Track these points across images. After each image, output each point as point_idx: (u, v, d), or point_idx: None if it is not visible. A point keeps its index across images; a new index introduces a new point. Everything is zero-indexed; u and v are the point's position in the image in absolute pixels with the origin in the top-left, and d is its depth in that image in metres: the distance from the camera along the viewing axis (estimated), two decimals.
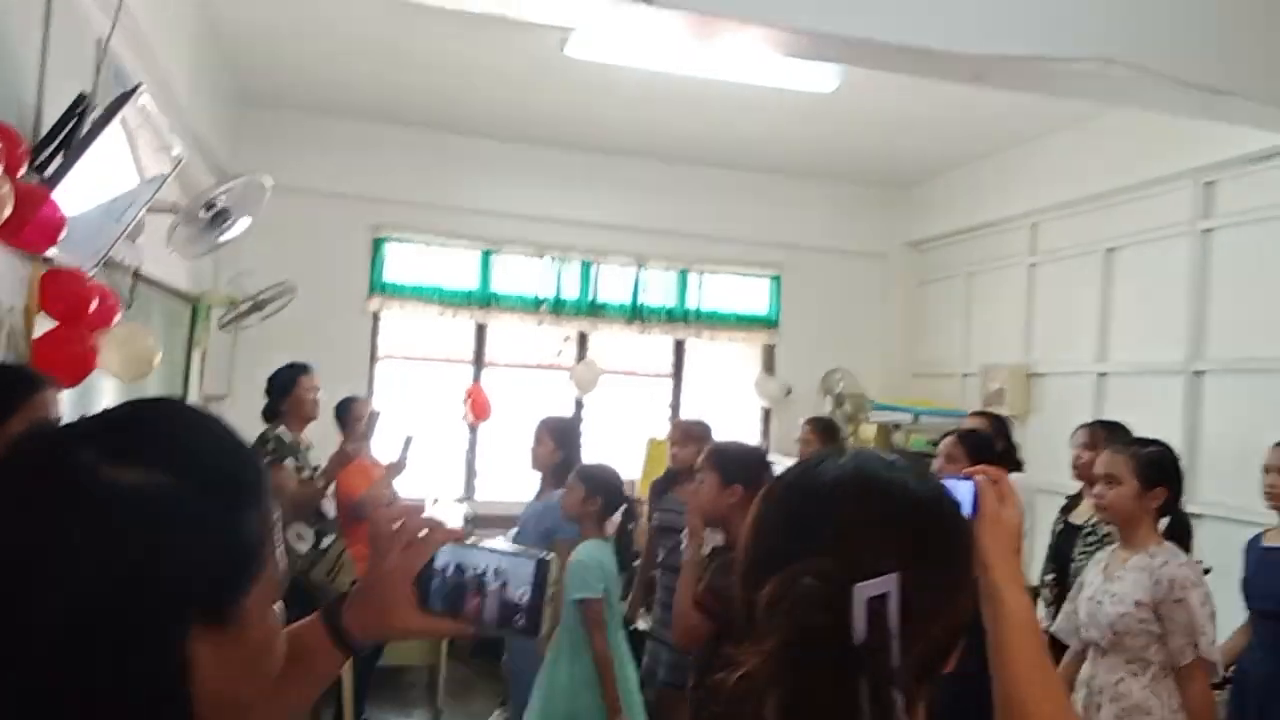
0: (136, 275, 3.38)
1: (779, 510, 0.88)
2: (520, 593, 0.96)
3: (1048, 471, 4.68)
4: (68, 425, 0.73)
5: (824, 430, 4.65)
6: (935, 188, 6.54)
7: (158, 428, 0.74)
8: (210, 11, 4.49)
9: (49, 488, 0.68)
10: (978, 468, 1.13)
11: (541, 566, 0.97)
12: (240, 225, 3.45)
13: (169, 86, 3.78)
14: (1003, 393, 5.58)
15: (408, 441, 4.56)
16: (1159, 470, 2.74)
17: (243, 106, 5.72)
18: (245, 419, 4.90)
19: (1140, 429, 3.70)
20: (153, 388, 4.07)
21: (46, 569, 0.65)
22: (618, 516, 3.69)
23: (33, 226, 2.20)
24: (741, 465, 2.86)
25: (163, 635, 0.67)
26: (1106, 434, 3.62)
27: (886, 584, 0.75)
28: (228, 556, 0.72)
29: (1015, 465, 4.03)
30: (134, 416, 0.75)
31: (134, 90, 2.56)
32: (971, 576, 0.88)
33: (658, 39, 3.98)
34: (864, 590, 0.74)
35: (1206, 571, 2.89)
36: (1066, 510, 3.87)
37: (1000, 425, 4.27)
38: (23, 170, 2.17)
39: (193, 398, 5.06)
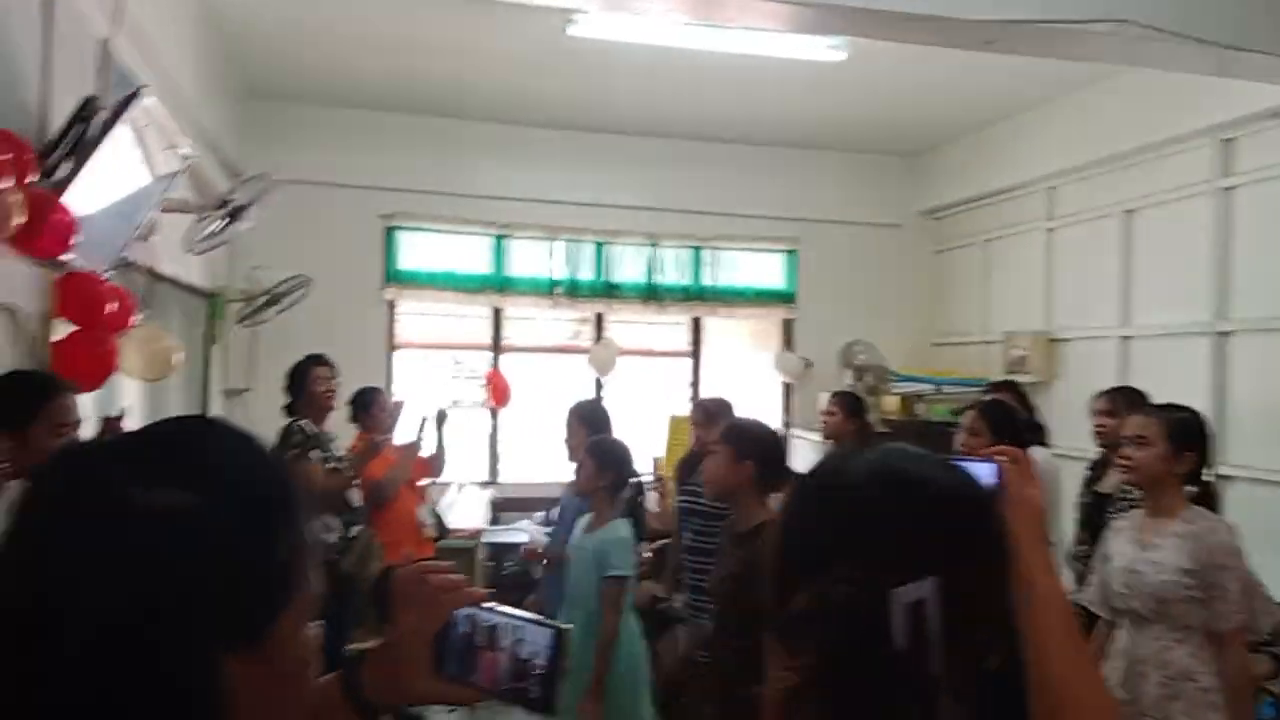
0: (152, 274, 3.39)
1: (808, 512, 0.85)
2: (535, 659, 0.93)
3: (1072, 438, 4.64)
4: (100, 444, 0.72)
5: (848, 404, 4.62)
6: (949, 155, 6.47)
7: (190, 448, 0.73)
8: (211, 7, 4.48)
9: (80, 507, 0.67)
10: (998, 449, 1.11)
11: (560, 636, 0.93)
12: (246, 223, 3.45)
13: (174, 84, 3.78)
14: (1026, 359, 5.54)
15: (423, 422, 4.60)
16: (1189, 434, 2.71)
17: (248, 100, 5.72)
18: (268, 412, 4.93)
19: (1166, 391, 3.66)
20: (173, 385, 4.10)
21: (76, 589, 0.65)
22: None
23: (45, 233, 2.20)
24: (754, 442, 2.86)
25: (194, 658, 0.66)
26: (1126, 400, 3.58)
27: (925, 588, 0.73)
28: (259, 578, 0.71)
29: (1039, 437, 3.99)
30: (166, 436, 0.74)
31: (137, 92, 2.55)
32: (1011, 573, 0.85)
33: (660, 20, 3.94)
34: (902, 596, 0.72)
35: None
36: (1092, 481, 3.83)
37: (1023, 396, 4.22)
38: (32, 177, 2.17)
39: (214, 393, 5.09)
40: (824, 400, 5.00)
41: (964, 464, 1.03)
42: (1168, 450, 2.66)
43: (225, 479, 0.72)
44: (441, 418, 4.68)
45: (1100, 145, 5.09)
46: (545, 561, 4.10)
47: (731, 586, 2.78)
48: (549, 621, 0.95)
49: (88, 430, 2.27)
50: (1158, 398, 3.61)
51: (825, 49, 4.41)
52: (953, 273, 6.67)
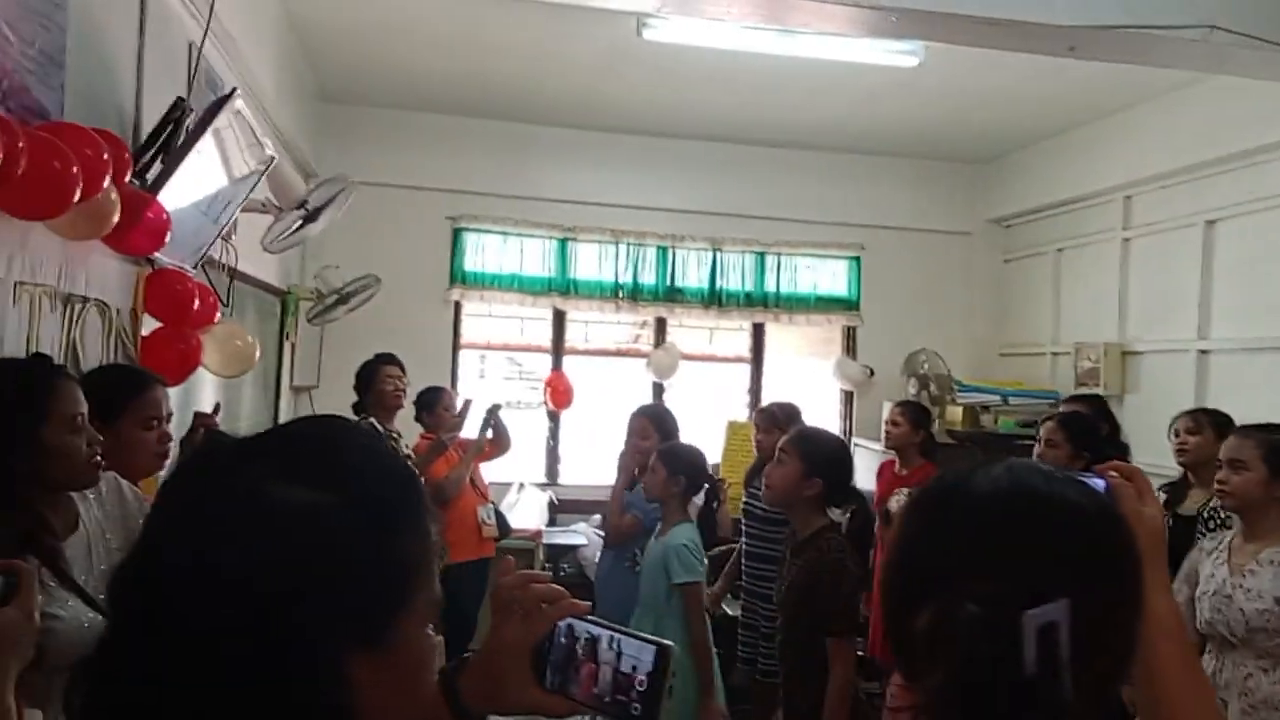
0: (232, 273, 3.46)
1: (930, 529, 0.83)
2: (637, 674, 0.92)
3: (1145, 453, 4.51)
4: (241, 441, 0.74)
5: (914, 414, 4.56)
6: (1020, 162, 6.35)
7: (324, 447, 0.74)
8: (291, 11, 4.57)
9: (218, 502, 0.69)
10: (1110, 464, 1.08)
11: (663, 654, 0.92)
12: (322, 223, 3.51)
13: (256, 86, 3.86)
14: (1097, 371, 5.41)
15: (487, 416, 4.65)
16: None
17: (322, 103, 5.82)
18: (335, 410, 5.00)
19: (1244, 407, 3.55)
20: (246, 381, 4.18)
21: (211, 582, 0.66)
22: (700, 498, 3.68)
23: (138, 230, 2.26)
24: (825, 459, 2.80)
25: (323, 656, 0.67)
26: (1212, 421, 3.46)
27: (1058, 610, 0.70)
28: (387, 578, 0.71)
29: (1121, 450, 3.88)
30: (301, 435, 0.76)
31: (230, 94, 2.61)
32: (1143, 596, 0.83)
33: (732, 24, 3.92)
34: (1035, 619, 0.70)
35: None
36: (1171, 503, 3.69)
37: (1102, 408, 4.11)
38: (127, 176, 2.23)
39: (285, 390, 5.18)
40: (886, 409, 4.94)
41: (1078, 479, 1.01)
42: (1266, 474, 2.57)
43: (360, 479, 0.73)
44: (495, 409, 4.72)
45: (1181, 154, 4.96)
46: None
47: (793, 596, 2.75)
48: (652, 638, 0.94)
49: (176, 425, 2.32)
50: (1235, 413, 3.50)
51: (898, 54, 4.36)
52: (1021, 282, 6.54)
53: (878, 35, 3.60)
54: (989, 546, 0.78)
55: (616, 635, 0.94)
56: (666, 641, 0.93)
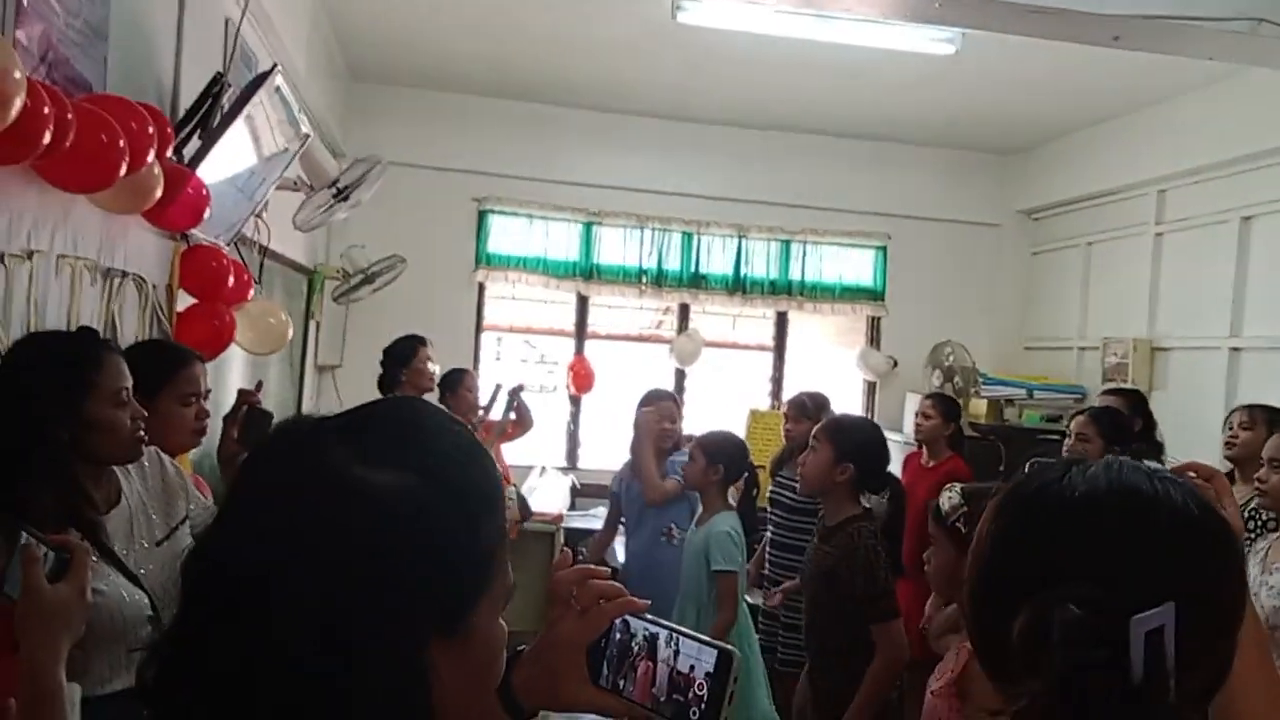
0: (264, 251, 3.45)
1: (1023, 529, 0.80)
2: (694, 675, 0.89)
3: (1171, 450, 4.47)
4: (320, 421, 0.72)
5: (944, 407, 4.53)
6: (1051, 154, 6.28)
7: (404, 429, 0.73)
8: None
9: (305, 485, 0.67)
10: (1189, 464, 1.06)
11: (725, 658, 0.89)
12: (354, 201, 3.50)
13: (288, 64, 3.84)
14: (1125, 366, 5.36)
15: (510, 396, 4.67)
16: None
17: (351, 82, 5.81)
18: (357, 388, 5.02)
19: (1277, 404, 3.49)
20: (273, 359, 4.18)
21: (299, 566, 0.64)
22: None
23: (177, 206, 2.26)
24: (857, 445, 2.81)
25: (409, 643, 0.66)
26: (1267, 417, 3.40)
27: (1165, 614, 0.68)
28: (468, 564, 0.70)
29: (1156, 447, 3.83)
30: (381, 416, 0.74)
31: (271, 70, 2.60)
32: (1245, 600, 0.80)
33: (772, 6, 3.88)
34: (1142, 623, 0.67)
35: None
36: None
37: (1140, 403, 4.04)
38: (168, 151, 2.22)
39: (309, 369, 5.19)
40: (915, 402, 4.90)
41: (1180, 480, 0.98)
42: None
43: (443, 463, 0.71)
44: (518, 389, 4.75)
45: (1217, 149, 4.88)
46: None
47: (820, 579, 2.75)
48: (714, 641, 0.91)
49: (210, 403, 2.32)
50: None
51: (936, 41, 4.30)
52: (1049, 275, 6.48)
53: (921, 21, 3.55)
54: (1090, 548, 0.75)
55: (676, 634, 0.92)
56: (730, 646, 0.91)
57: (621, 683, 0.93)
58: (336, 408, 0.77)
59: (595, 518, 5.78)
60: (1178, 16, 3.20)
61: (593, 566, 1.00)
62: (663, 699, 0.91)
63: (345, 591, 0.64)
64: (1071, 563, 0.75)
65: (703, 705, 0.88)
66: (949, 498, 1.95)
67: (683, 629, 0.93)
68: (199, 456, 2.69)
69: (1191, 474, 1.03)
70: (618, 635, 0.94)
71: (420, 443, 0.72)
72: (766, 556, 4.03)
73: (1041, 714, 0.67)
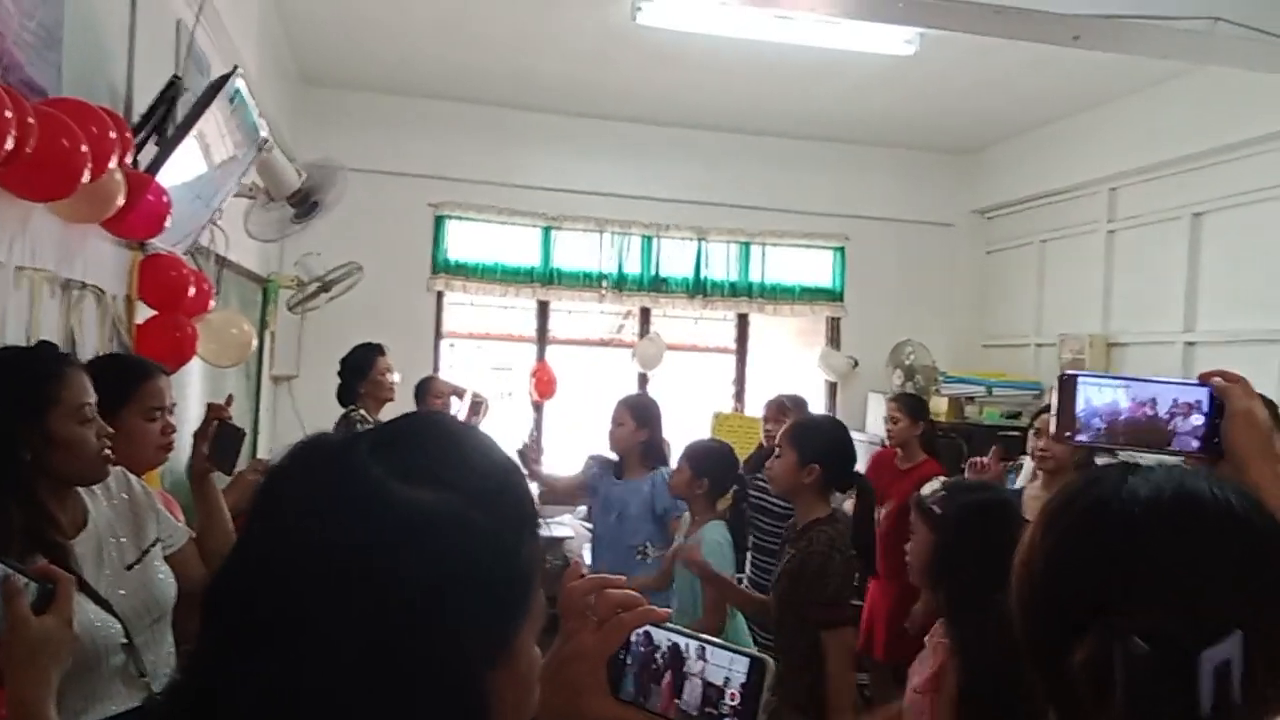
0: (220, 259, 3.35)
1: (1077, 544, 0.76)
2: (729, 687, 0.85)
3: None
4: (352, 437, 0.68)
5: (911, 406, 4.54)
6: (1004, 154, 6.37)
7: (441, 446, 0.69)
8: None
9: (343, 502, 0.63)
10: (1216, 370, 1.03)
11: (759, 667, 0.84)
12: (323, 209, 3.41)
13: (244, 68, 3.74)
14: (1081, 362, 5.44)
15: (476, 405, 4.62)
16: None
17: (303, 86, 5.69)
18: (315, 400, 4.92)
19: None
20: (230, 371, 4.07)
21: (347, 589, 0.60)
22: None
23: (138, 214, 2.17)
24: (820, 445, 2.80)
25: (467, 669, 0.62)
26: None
27: (1232, 647, 0.65)
28: (509, 582, 0.67)
29: None
30: (415, 432, 0.70)
31: (232, 73, 2.52)
32: None
33: (733, 5, 3.86)
34: (1212, 657, 0.65)
35: None
36: None
37: None
38: (128, 156, 2.13)
39: (265, 379, 5.07)
40: (874, 401, 4.91)
41: (1174, 385, 0.99)
42: None
43: (482, 481, 0.67)
44: (478, 408, 4.68)
45: (1168, 146, 4.98)
46: None
47: (783, 583, 2.74)
48: (743, 649, 0.87)
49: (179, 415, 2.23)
50: None
51: (896, 42, 4.33)
52: (1005, 273, 6.57)
53: (884, 20, 3.55)
54: (1153, 567, 0.72)
55: (704, 644, 0.88)
56: (763, 655, 0.87)
57: (644, 696, 0.89)
58: (294, 421, 0.72)
59: (561, 524, 5.72)
60: (1137, 16, 3.24)
61: (608, 576, 0.96)
62: (694, 713, 0.87)
63: (401, 615, 0.61)
64: (1135, 588, 0.71)
65: (738, 716, 0.84)
66: (933, 488, 1.97)
67: (711, 638, 0.89)
68: (164, 473, 2.59)
69: (1218, 379, 1.01)
70: (640, 648, 0.89)
71: (458, 460, 0.68)
72: (751, 561, 4.00)
73: None
